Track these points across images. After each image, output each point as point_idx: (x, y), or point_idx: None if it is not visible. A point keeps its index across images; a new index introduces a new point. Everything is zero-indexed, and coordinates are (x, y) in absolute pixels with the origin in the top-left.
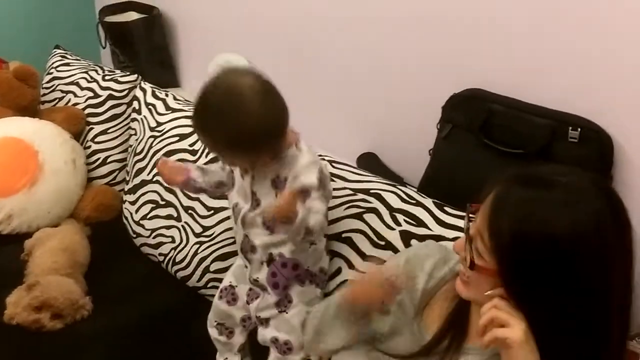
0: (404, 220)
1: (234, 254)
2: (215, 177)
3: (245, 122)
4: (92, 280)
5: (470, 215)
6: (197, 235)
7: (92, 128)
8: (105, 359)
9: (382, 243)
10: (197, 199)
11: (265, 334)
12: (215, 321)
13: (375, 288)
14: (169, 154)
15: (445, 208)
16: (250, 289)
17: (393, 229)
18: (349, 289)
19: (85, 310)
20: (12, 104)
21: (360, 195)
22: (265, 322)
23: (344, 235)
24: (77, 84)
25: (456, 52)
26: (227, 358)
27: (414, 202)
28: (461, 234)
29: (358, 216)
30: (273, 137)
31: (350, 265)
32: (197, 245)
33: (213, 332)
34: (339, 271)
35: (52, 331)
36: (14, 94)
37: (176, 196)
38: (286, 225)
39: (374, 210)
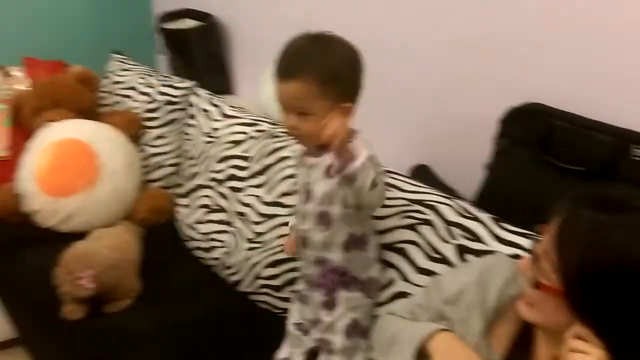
0: (460, 234)
1: (285, 260)
2: None
3: (337, 52)
4: (146, 281)
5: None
6: (249, 240)
7: (148, 132)
8: (158, 357)
9: (437, 256)
10: (250, 206)
11: (315, 335)
12: (295, 321)
13: None
14: (223, 160)
15: (502, 223)
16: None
17: (448, 242)
18: None
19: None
20: (74, 106)
21: (415, 206)
22: (317, 322)
23: (397, 245)
24: (135, 89)
25: (514, 65)
26: (291, 352)
27: (471, 216)
28: (519, 251)
29: (412, 227)
30: (359, 72)
31: (404, 278)
32: (249, 251)
33: (291, 325)
34: (392, 283)
35: (109, 330)
36: (76, 97)
37: (229, 202)
38: (343, 157)
39: (428, 222)
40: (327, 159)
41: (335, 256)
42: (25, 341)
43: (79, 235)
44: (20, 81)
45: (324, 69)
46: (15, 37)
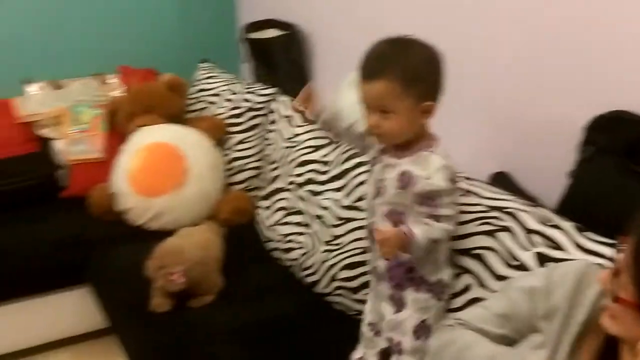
0: (540, 242)
1: (361, 263)
2: None
3: (418, 53)
4: (227, 278)
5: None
6: (326, 243)
7: (232, 137)
8: (238, 351)
9: (515, 263)
10: (328, 209)
11: (384, 333)
12: (369, 322)
13: None
14: (302, 164)
15: (586, 232)
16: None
17: (527, 249)
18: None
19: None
20: (164, 112)
21: (494, 213)
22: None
23: (474, 251)
24: (220, 96)
25: (600, 71)
26: (365, 352)
27: (552, 224)
28: (602, 261)
29: (490, 233)
30: (440, 72)
31: (481, 284)
32: (326, 253)
33: (364, 326)
34: (467, 288)
35: (192, 324)
36: (166, 103)
37: (307, 205)
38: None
39: (507, 229)
40: (403, 164)
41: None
42: (116, 331)
43: (167, 234)
44: (115, 88)
45: (406, 69)
46: (112, 47)
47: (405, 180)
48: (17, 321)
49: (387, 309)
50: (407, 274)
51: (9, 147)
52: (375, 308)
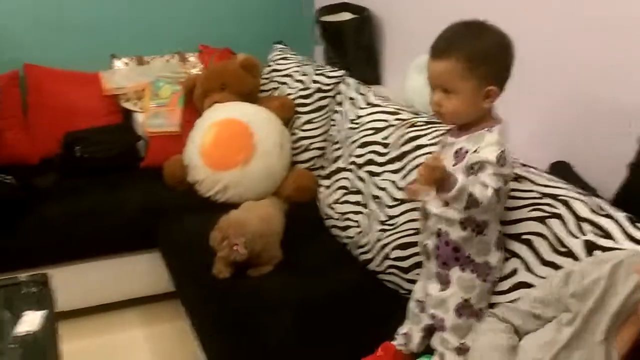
0: (590, 230)
1: (414, 244)
2: None
3: (487, 36)
4: (287, 252)
5: None
6: (381, 222)
7: (299, 117)
8: (290, 323)
9: (563, 250)
10: (385, 189)
11: (428, 310)
12: (416, 298)
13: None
14: (363, 145)
15: (639, 224)
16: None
17: (577, 237)
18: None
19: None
20: (237, 90)
21: (546, 200)
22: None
23: (524, 236)
24: (292, 77)
25: None
26: (411, 328)
27: (604, 213)
28: None
29: (541, 220)
30: (508, 58)
31: (528, 268)
32: (381, 232)
33: (412, 302)
34: (514, 272)
35: (249, 293)
36: (239, 82)
37: (366, 184)
38: (441, 190)
39: (558, 216)
40: (459, 142)
41: (452, 231)
42: (180, 294)
43: (232, 206)
44: (194, 66)
45: (473, 51)
46: (193, 27)
47: (459, 156)
48: (93, 279)
49: (433, 287)
50: (453, 252)
51: (96, 118)
52: (424, 286)
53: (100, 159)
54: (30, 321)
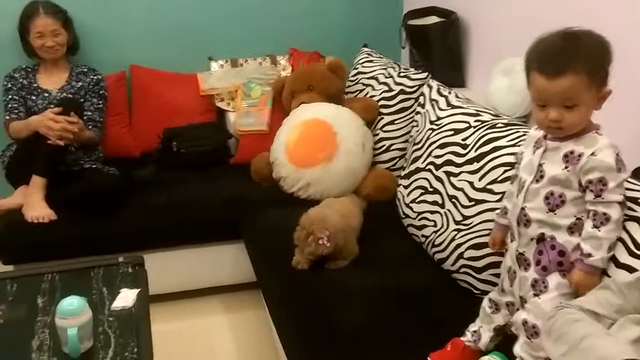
0: None
1: (488, 244)
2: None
3: (592, 43)
4: (363, 248)
5: None
6: (457, 222)
7: (382, 118)
8: (364, 312)
9: (639, 252)
10: (462, 190)
11: (519, 316)
12: (490, 298)
13: None
14: (443, 146)
15: None
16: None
17: None
18: None
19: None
20: (324, 91)
21: (626, 203)
22: (524, 303)
23: None
24: (376, 79)
25: None
26: (481, 327)
27: None
28: None
29: None
30: (612, 57)
31: (604, 272)
32: (456, 232)
33: (485, 302)
34: None
35: (325, 284)
36: (326, 83)
37: (443, 185)
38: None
39: (637, 220)
40: (567, 146)
41: (558, 235)
42: (261, 283)
43: (313, 203)
44: (284, 68)
45: (588, 60)
46: (284, 32)
47: (571, 159)
48: (182, 266)
49: (528, 293)
50: (558, 256)
51: (193, 116)
52: (506, 288)
53: (194, 154)
54: (126, 297)
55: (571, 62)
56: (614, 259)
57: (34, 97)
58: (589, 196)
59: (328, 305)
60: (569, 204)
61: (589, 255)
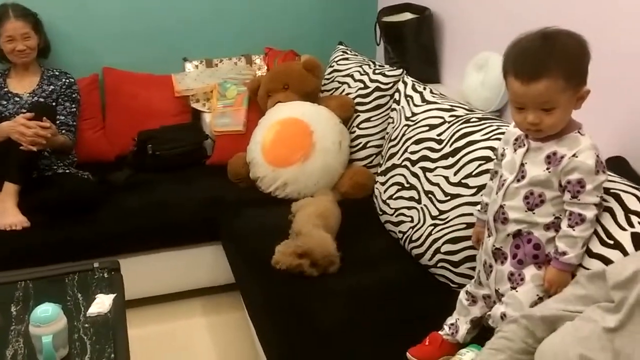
0: (639, 222)
1: (464, 238)
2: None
3: (569, 44)
4: (341, 246)
5: None
6: (433, 217)
7: (358, 115)
8: (343, 311)
9: (611, 242)
10: (438, 185)
11: (497, 310)
12: (467, 290)
13: None
14: (418, 142)
15: None
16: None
17: (625, 229)
18: None
19: (335, 265)
20: (299, 90)
21: (603, 204)
22: (500, 297)
23: None
24: (352, 76)
25: None
26: (458, 319)
27: None
28: None
29: None
30: (589, 57)
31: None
32: (432, 227)
33: (462, 294)
34: None
35: (307, 279)
36: (302, 82)
37: (419, 180)
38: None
39: (608, 210)
40: (549, 146)
41: (535, 231)
42: (240, 284)
43: (290, 202)
44: (259, 67)
45: (565, 63)
46: (259, 31)
47: (553, 161)
48: (159, 269)
49: (505, 287)
50: (533, 250)
51: (168, 117)
52: (483, 281)
53: (170, 156)
54: (102, 303)
55: (547, 66)
56: (587, 250)
57: (4, 102)
58: (567, 196)
59: (307, 305)
60: (548, 203)
61: (564, 253)
